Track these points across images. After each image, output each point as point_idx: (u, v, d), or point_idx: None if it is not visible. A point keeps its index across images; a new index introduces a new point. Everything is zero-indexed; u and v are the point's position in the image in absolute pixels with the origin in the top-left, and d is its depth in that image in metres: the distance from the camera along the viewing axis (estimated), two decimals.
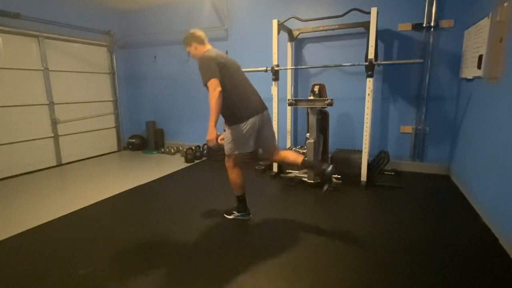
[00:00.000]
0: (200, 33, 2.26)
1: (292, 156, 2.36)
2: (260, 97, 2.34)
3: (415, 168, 3.75)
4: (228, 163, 2.34)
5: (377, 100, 3.77)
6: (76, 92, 4.66)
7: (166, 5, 4.87)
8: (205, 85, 2.07)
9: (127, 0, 4.72)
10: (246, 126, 2.18)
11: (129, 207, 2.86)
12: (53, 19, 4.21)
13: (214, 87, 2.01)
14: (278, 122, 3.61)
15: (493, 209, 2.25)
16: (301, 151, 3.54)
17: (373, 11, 2.99)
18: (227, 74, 2.11)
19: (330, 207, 2.76)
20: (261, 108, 2.28)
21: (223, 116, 2.22)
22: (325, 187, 2.28)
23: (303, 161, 2.31)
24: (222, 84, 2.05)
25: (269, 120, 2.36)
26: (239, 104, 2.18)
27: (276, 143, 2.46)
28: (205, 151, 4.76)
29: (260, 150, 2.53)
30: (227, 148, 2.27)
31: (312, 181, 3.19)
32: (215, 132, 2.09)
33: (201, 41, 2.25)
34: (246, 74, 3.63)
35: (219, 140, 2.21)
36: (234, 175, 2.36)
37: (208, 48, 2.25)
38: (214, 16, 4.54)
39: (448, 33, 3.38)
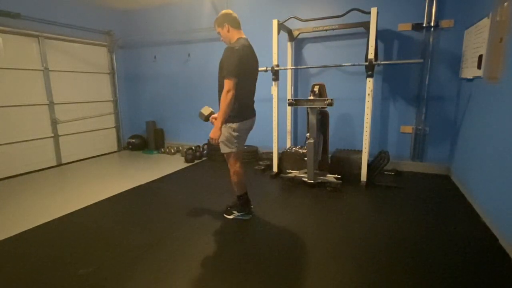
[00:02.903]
0: (235, 15, 2.17)
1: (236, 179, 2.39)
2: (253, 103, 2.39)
3: (415, 168, 3.75)
4: (230, 163, 2.35)
5: (377, 100, 3.77)
6: (76, 92, 4.66)
7: (166, 5, 4.87)
8: (220, 75, 2.08)
9: (127, 0, 4.72)
10: (243, 126, 2.22)
11: (129, 207, 2.86)
12: (53, 19, 4.21)
13: (229, 89, 2.02)
14: (278, 122, 3.61)
15: (493, 209, 2.25)
16: (301, 151, 3.54)
17: (373, 11, 2.99)
18: (242, 73, 2.09)
19: (330, 207, 2.75)
20: (254, 113, 2.36)
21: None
22: None
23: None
24: (236, 84, 2.05)
25: (252, 127, 2.39)
26: (243, 104, 2.21)
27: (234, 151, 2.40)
28: (205, 151, 4.75)
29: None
30: (224, 146, 2.28)
31: (312, 181, 3.19)
32: (220, 132, 2.12)
33: (236, 25, 2.16)
34: None
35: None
36: (236, 174, 2.36)
37: (241, 36, 2.18)
38: (214, 16, 4.45)
39: (448, 33, 3.38)
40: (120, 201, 3.02)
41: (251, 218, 2.52)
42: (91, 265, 1.89)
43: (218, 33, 2.23)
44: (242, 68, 2.07)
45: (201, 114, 2.33)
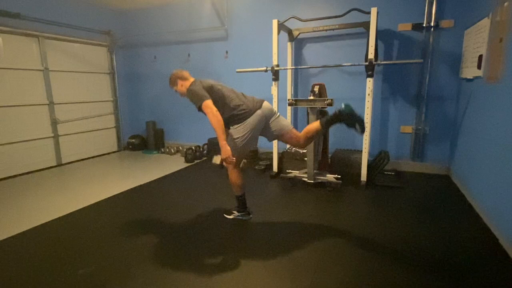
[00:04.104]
0: (182, 72, 2.37)
1: (311, 127, 2.29)
2: (253, 97, 2.34)
3: (415, 168, 3.75)
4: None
5: (377, 100, 3.77)
6: (76, 92, 4.66)
7: (166, 5, 4.87)
8: (200, 109, 2.17)
9: (127, 0, 4.72)
10: (246, 125, 2.20)
11: (129, 207, 2.86)
12: (53, 19, 4.21)
13: (210, 108, 2.10)
14: None
15: (493, 209, 2.25)
16: (301, 151, 3.54)
17: (373, 11, 2.99)
18: (215, 91, 2.22)
19: (330, 207, 2.76)
20: (258, 105, 2.27)
21: (225, 124, 2.23)
22: (358, 128, 2.05)
23: (321, 123, 2.21)
24: (215, 101, 2.15)
25: (272, 112, 2.32)
26: (235, 109, 2.21)
27: (292, 128, 2.36)
28: (205, 151, 4.76)
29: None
30: (233, 146, 2.26)
31: (312, 181, 3.19)
32: (229, 148, 2.11)
33: (184, 78, 2.35)
34: (246, 74, 3.64)
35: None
36: (234, 175, 2.36)
37: (192, 80, 2.34)
38: (214, 16, 4.54)
39: (448, 33, 3.38)
40: (120, 201, 3.02)
41: (251, 218, 2.52)
42: (91, 265, 1.89)
43: (175, 91, 2.41)
44: (207, 89, 2.20)
45: (214, 165, 2.46)
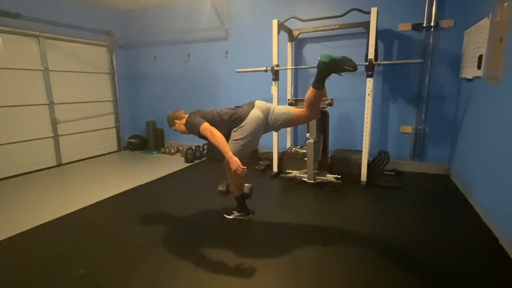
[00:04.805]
0: (176, 112, 2.47)
1: (308, 95, 2.15)
2: (243, 103, 2.37)
3: (415, 168, 3.75)
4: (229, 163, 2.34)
5: (377, 100, 3.77)
6: (76, 92, 4.66)
7: (166, 5, 4.87)
8: (200, 135, 2.22)
9: (127, 0, 4.72)
10: (245, 128, 2.21)
11: (129, 207, 2.86)
12: (53, 19, 4.21)
13: (207, 128, 2.16)
14: None
15: (493, 209, 2.25)
16: (301, 151, 3.54)
17: (373, 11, 2.99)
18: (210, 113, 2.32)
19: (330, 207, 2.76)
20: (251, 106, 2.28)
21: (227, 137, 2.25)
22: (348, 67, 1.87)
23: (312, 86, 2.07)
24: (212, 122, 2.21)
25: (267, 107, 2.30)
26: (231, 118, 2.25)
27: (293, 110, 2.30)
28: (205, 151, 4.76)
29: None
30: (233, 148, 2.26)
31: (312, 181, 3.19)
32: (236, 158, 2.09)
33: (181, 117, 2.43)
34: (246, 74, 3.64)
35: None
36: (234, 175, 2.35)
37: (187, 116, 2.40)
38: (214, 16, 4.54)
39: (448, 33, 3.38)
40: (120, 201, 3.02)
41: (251, 218, 2.52)
42: (91, 265, 1.89)
43: (175, 130, 2.47)
44: (201, 116, 2.29)
45: (220, 192, 2.53)
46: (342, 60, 1.87)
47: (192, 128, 2.27)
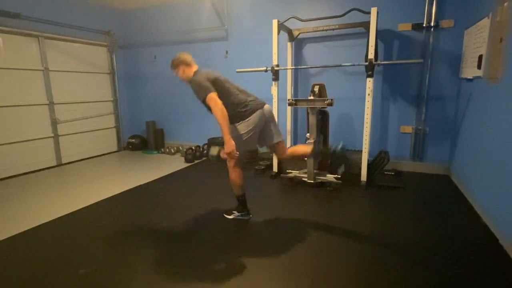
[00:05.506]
0: (186, 56, 2.30)
1: (300, 149, 2.35)
2: (256, 96, 2.36)
3: (415, 168, 3.75)
4: (230, 163, 2.34)
5: (377, 100, 3.77)
6: (76, 92, 4.66)
7: (166, 5, 4.87)
8: (204, 101, 2.11)
9: (127, 0, 4.72)
10: (249, 122, 2.21)
11: (129, 207, 2.86)
12: (53, 19, 4.21)
13: (215, 101, 2.06)
14: (278, 122, 3.59)
15: (493, 209, 2.25)
16: None
17: (373, 11, 2.99)
18: (220, 85, 2.18)
19: (330, 207, 2.76)
20: (261, 104, 2.30)
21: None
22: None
23: (312, 151, 2.28)
24: (219, 95, 2.10)
25: (272, 116, 2.38)
26: (239, 105, 2.21)
27: (282, 139, 2.45)
28: (205, 151, 4.75)
29: (264, 149, 2.54)
30: (236, 141, 2.26)
31: (312, 181, 3.19)
32: (233, 142, 2.08)
33: (188, 64, 2.29)
34: (246, 74, 3.65)
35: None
36: (234, 174, 2.36)
37: (196, 70, 2.30)
38: (214, 16, 4.54)
39: (448, 33, 3.38)
40: (120, 201, 3.02)
41: (251, 218, 2.52)
42: (91, 265, 1.89)
43: (176, 75, 2.35)
44: (212, 81, 2.15)
45: (211, 156, 2.43)
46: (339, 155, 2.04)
47: (197, 89, 2.11)
